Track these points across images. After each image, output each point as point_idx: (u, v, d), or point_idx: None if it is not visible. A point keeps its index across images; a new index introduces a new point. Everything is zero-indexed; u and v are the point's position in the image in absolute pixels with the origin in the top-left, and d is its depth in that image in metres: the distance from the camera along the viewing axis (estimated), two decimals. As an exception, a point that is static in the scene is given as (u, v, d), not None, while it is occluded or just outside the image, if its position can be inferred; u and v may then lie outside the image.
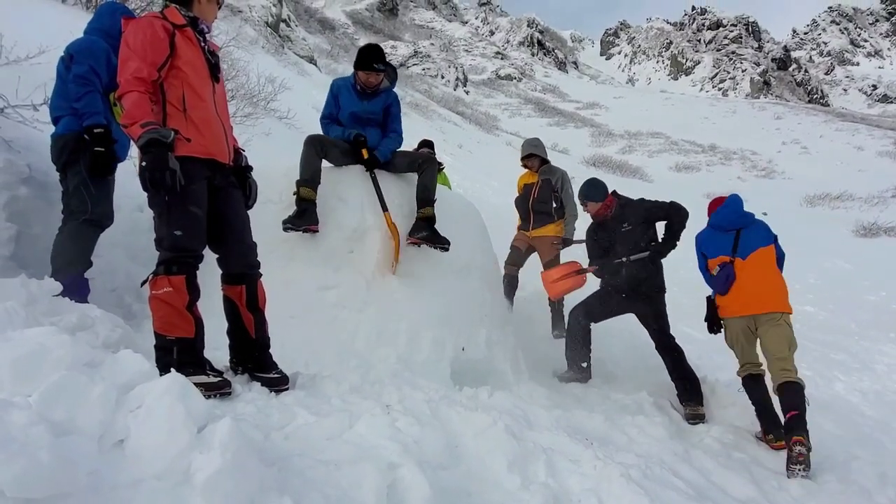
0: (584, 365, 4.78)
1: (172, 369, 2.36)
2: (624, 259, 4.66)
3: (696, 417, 4.27)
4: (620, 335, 5.84)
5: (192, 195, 2.59)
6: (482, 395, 3.28)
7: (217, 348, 2.95)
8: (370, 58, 4.18)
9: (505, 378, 4.11)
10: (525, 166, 6.36)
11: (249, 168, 3.11)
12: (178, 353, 2.51)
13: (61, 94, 3.64)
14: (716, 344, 7.30)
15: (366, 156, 4.16)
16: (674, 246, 4.61)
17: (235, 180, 2.97)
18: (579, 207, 5.33)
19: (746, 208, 4.36)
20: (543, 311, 6.17)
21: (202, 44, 2.77)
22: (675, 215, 4.58)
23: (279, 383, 2.79)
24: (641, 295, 4.62)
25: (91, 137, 3.48)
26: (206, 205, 2.69)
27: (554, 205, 6.06)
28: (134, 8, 12.56)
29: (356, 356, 3.54)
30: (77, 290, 3.33)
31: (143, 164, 2.32)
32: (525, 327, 5.52)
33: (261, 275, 2.94)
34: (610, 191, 4.92)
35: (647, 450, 3.27)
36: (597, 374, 4.88)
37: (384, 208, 4.01)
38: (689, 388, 4.40)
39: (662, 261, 4.67)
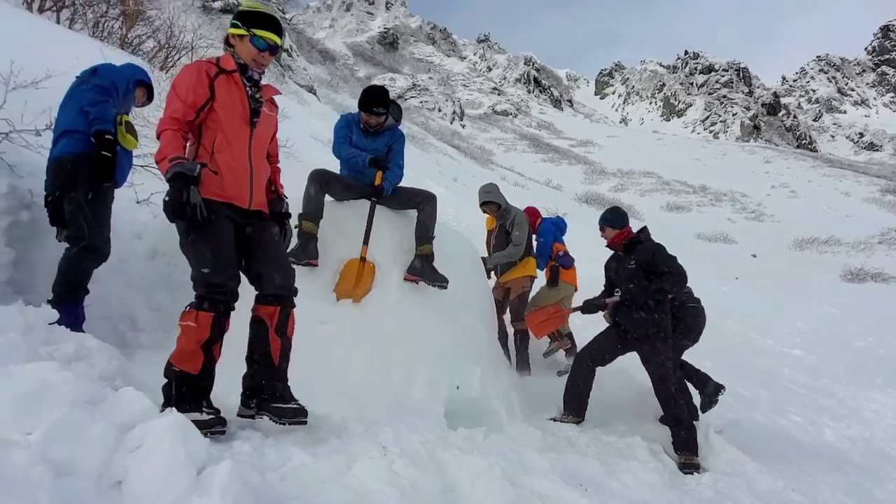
0: (583, 408, 4.75)
1: (171, 406, 2.38)
2: (607, 299, 4.71)
3: (690, 467, 4.23)
4: (612, 374, 5.82)
5: (215, 233, 2.61)
6: (477, 437, 3.26)
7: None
8: (370, 102, 4.26)
9: (498, 418, 4.08)
10: (485, 212, 6.40)
11: (288, 215, 3.14)
12: (177, 386, 2.50)
13: (67, 112, 3.67)
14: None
15: (378, 181, 4.20)
16: (652, 292, 4.53)
17: (270, 218, 2.99)
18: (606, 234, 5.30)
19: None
20: (533, 351, 6.17)
21: (247, 89, 2.79)
22: (674, 277, 4.49)
23: (298, 414, 2.67)
24: (641, 336, 4.59)
25: (99, 141, 3.52)
26: (231, 241, 2.69)
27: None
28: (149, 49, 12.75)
29: (350, 393, 3.52)
30: (74, 319, 3.31)
31: (166, 198, 2.38)
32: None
33: (295, 303, 2.90)
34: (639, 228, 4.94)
35: (641, 496, 3.25)
36: (589, 414, 4.85)
37: (365, 241, 4.05)
38: (684, 438, 4.36)
39: (666, 305, 4.64)
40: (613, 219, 4.83)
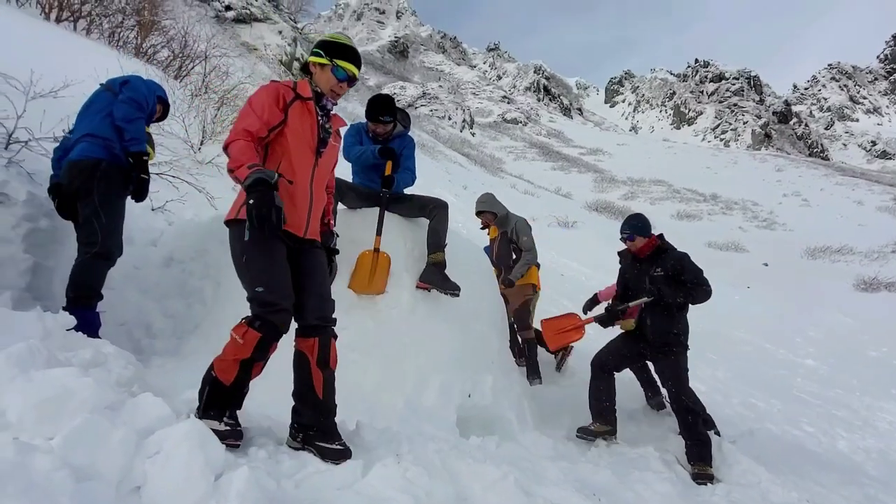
0: (612, 416, 4.65)
1: (196, 411, 2.44)
2: (621, 307, 4.67)
3: (704, 478, 4.20)
4: (625, 383, 5.81)
5: (270, 253, 2.59)
6: (490, 446, 3.26)
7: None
8: (377, 110, 4.28)
9: (510, 426, 4.08)
10: (482, 223, 6.37)
11: (336, 251, 3.15)
12: (209, 392, 2.51)
13: (90, 116, 3.72)
14: (716, 386, 7.25)
15: (389, 171, 4.23)
16: (677, 296, 4.49)
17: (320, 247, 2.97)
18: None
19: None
20: (546, 359, 6.14)
21: (319, 118, 2.81)
22: (700, 288, 4.47)
23: (341, 456, 2.59)
24: (657, 346, 4.56)
25: (137, 163, 3.60)
26: (286, 263, 2.67)
27: (514, 256, 6.07)
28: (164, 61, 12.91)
29: (364, 399, 3.53)
30: (89, 324, 3.35)
31: (251, 201, 2.33)
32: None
33: (336, 334, 2.85)
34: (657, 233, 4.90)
35: (655, 508, 3.23)
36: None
37: (378, 231, 4.07)
38: (699, 449, 4.33)
39: (685, 317, 4.61)
40: (643, 227, 4.77)
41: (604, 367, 4.74)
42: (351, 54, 2.80)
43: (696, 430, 4.38)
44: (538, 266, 6.30)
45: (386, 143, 4.40)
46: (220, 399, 2.52)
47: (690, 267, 4.54)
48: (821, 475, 4.94)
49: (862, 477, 5.59)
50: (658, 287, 4.52)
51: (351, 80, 2.84)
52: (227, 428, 2.47)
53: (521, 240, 6.04)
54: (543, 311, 9.23)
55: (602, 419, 4.62)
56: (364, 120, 4.54)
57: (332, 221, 3.20)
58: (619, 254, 4.99)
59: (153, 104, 3.86)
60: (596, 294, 5.86)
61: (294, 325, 2.75)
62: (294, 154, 2.71)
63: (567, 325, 5.02)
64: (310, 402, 2.69)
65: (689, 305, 4.63)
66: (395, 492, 2.19)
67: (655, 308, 4.58)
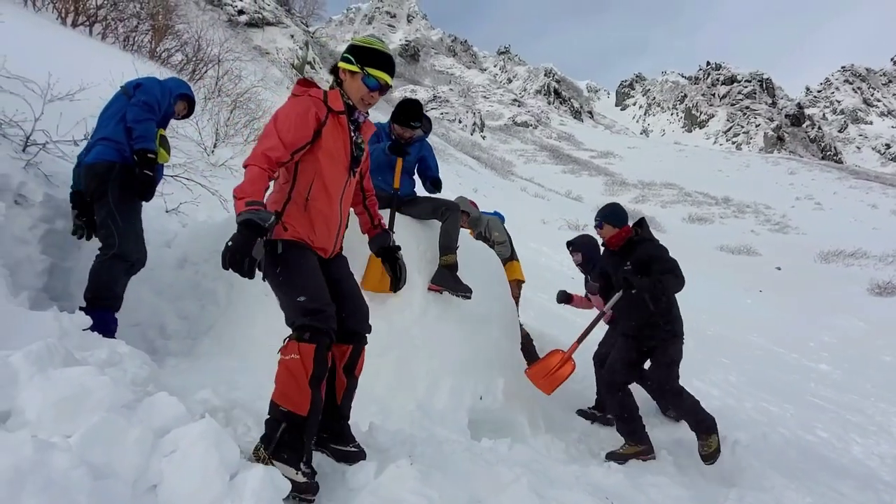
0: (644, 434, 4.35)
1: (271, 446, 2.22)
2: (606, 308, 4.52)
3: (710, 457, 4.19)
4: (636, 388, 5.78)
5: (304, 264, 2.48)
6: (502, 448, 3.25)
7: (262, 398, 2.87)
8: (408, 116, 4.30)
9: (521, 430, 4.07)
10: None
11: (398, 248, 3.03)
12: (285, 430, 2.24)
13: (106, 120, 3.75)
14: (728, 390, 7.20)
15: (399, 168, 4.29)
16: (646, 286, 4.20)
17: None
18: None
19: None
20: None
21: (351, 133, 2.66)
22: (668, 275, 4.19)
23: (355, 458, 2.56)
24: (646, 338, 4.39)
25: (141, 160, 3.57)
26: (320, 271, 2.54)
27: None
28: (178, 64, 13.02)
29: (376, 401, 3.53)
30: (104, 326, 3.38)
31: (229, 242, 2.16)
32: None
33: (367, 341, 2.76)
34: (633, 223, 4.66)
35: (668, 511, 3.21)
36: (611, 430, 4.79)
37: (390, 227, 4.06)
38: (698, 421, 4.26)
39: (673, 306, 4.41)
40: (612, 216, 4.56)
41: (619, 383, 4.44)
42: (383, 60, 2.59)
43: (685, 404, 4.29)
44: (517, 260, 6.28)
45: (407, 146, 4.41)
46: (296, 437, 2.25)
47: (658, 255, 4.33)
48: (835, 481, 4.88)
49: (877, 483, 5.52)
50: (626, 280, 4.30)
51: (383, 89, 2.63)
52: (305, 480, 2.19)
53: (493, 234, 6.08)
54: (557, 315, 9.21)
55: (636, 440, 4.33)
56: (383, 122, 4.58)
57: (382, 221, 3.07)
58: (602, 244, 4.78)
59: (168, 105, 3.86)
60: (571, 295, 5.73)
61: None
62: (327, 174, 2.55)
63: (554, 365, 4.62)
64: (326, 406, 2.54)
65: (675, 296, 4.38)
66: (409, 493, 2.19)
67: (635, 302, 4.35)
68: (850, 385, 10.28)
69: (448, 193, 6.89)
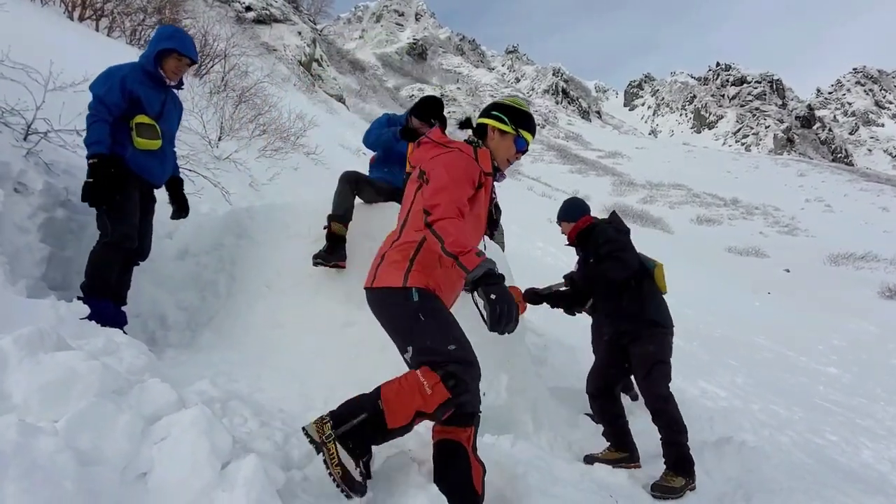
0: (628, 441, 4.06)
1: (341, 427, 2.11)
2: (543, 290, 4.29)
3: (664, 490, 3.56)
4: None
5: (446, 312, 2.36)
6: (504, 445, 3.19)
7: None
8: (430, 112, 4.29)
9: (525, 427, 4.00)
10: None
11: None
12: (365, 421, 2.13)
13: None
14: (736, 392, 7.11)
15: (411, 150, 4.20)
16: (578, 278, 4.08)
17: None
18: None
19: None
20: (563, 361, 6.07)
21: (494, 195, 2.57)
22: (606, 261, 3.94)
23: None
24: (622, 335, 4.08)
25: (88, 167, 3.45)
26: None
27: None
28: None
29: (376, 395, 3.48)
30: (101, 315, 3.34)
31: (493, 296, 2.03)
32: (544, 375, 5.42)
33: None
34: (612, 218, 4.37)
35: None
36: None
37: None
38: (670, 445, 3.79)
39: (649, 291, 4.10)
40: (567, 211, 4.35)
41: (601, 389, 4.21)
42: (533, 123, 2.58)
43: (669, 426, 3.83)
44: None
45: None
46: (373, 436, 2.16)
47: (601, 240, 4.01)
48: (845, 484, 4.81)
49: (888, 487, 5.44)
50: (571, 279, 4.15)
51: (525, 151, 2.60)
52: (360, 479, 2.09)
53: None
54: (560, 314, 9.13)
55: (618, 447, 4.05)
56: (399, 115, 4.57)
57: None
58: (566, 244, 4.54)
59: (119, 94, 3.61)
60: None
61: None
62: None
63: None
64: (468, 501, 2.28)
65: (654, 285, 4.13)
66: (407, 486, 2.14)
67: (608, 298, 4.13)
68: (859, 389, 10.18)
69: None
